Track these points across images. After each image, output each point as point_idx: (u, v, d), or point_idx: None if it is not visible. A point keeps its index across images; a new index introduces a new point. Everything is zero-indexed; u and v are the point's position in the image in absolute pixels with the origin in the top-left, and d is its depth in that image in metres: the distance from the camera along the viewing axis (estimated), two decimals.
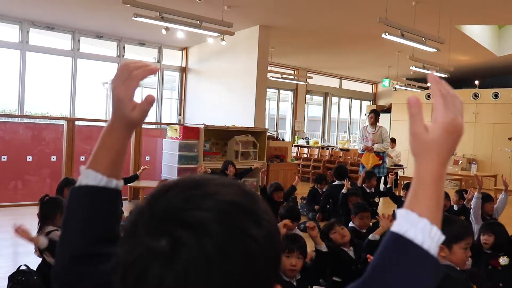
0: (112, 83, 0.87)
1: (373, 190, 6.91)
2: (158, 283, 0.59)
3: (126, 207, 7.61)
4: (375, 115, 8.68)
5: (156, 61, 11.49)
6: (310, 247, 3.48)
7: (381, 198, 7.32)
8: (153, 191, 0.67)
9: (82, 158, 8.63)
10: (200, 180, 0.66)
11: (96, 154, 0.88)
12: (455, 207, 5.59)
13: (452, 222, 2.78)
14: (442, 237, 0.69)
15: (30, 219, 4.25)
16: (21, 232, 3.08)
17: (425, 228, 0.68)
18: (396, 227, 0.69)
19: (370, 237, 3.81)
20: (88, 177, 0.85)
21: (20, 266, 3.79)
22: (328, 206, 7.16)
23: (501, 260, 3.41)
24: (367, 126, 8.76)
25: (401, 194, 6.27)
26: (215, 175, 0.70)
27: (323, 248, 3.57)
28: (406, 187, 6.22)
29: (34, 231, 4.03)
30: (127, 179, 6.82)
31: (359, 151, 9.20)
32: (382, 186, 8.77)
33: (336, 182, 7.16)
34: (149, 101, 0.90)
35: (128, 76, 0.87)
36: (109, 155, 0.88)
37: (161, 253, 0.59)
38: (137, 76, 0.89)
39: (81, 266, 0.80)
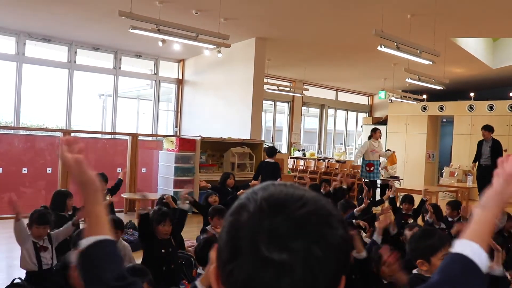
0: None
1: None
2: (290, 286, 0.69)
3: (122, 220, 7.55)
4: (381, 131, 10.51)
5: (153, 73, 11.52)
6: None
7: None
8: (259, 205, 0.74)
9: None
10: (303, 196, 0.76)
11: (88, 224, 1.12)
12: (450, 219, 5.58)
13: (431, 235, 2.78)
14: (487, 260, 0.98)
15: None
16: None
17: (481, 255, 0.97)
18: (459, 250, 0.99)
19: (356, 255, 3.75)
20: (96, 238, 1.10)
21: (14, 280, 3.76)
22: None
23: None
24: (372, 141, 10.28)
25: (400, 206, 6.26)
26: (304, 189, 0.80)
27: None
28: (404, 199, 6.23)
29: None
30: (114, 188, 6.69)
31: (358, 163, 10.87)
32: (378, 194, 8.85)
33: (268, 159, 8.34)
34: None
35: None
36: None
37: (286, 265, 0.69)
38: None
39: None
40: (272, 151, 8.53)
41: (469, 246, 0.99)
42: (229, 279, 0.74)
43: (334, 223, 0.75)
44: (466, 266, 0.97)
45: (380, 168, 10.63)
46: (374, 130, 10.44)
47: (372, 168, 10.15)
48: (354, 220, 5.06)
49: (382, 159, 12.55)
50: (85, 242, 1.07)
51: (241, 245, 0.72)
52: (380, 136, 10.57)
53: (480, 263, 0.96)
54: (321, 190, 7.71)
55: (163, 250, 4.04)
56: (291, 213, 0.73)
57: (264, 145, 10.27)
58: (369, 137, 10.49)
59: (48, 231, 4.09)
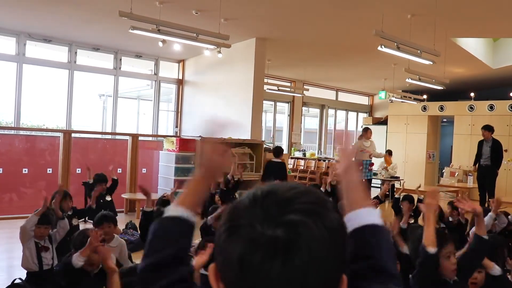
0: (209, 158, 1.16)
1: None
2: (283, 267, 0.69)
3: (123, 220, 7.57)
4: (364, 131, 10.69)
5: (153, 73, 11.52)
6: None
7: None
8: (253, 193, 0.78)
9: (78, 171, 8.60)
10: (293, 184, 0.80)
11: (185, 196, 1.13)
12: (450, 219, 5.59)
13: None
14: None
15: None
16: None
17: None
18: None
19: None
20: (177, 211, 1.09)
21: (14, 280, 3.76)
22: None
23: None
24: (363, 141, 10.54)
25: (401, 206, 6.28)
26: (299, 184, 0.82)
27: None
28: (404, 199, 6.24)
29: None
30: (112, 188, 6.64)
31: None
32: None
33: (274, 159, 9.04)
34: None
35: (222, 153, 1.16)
36: (194, 197, 1.14)
37: (280, 242, 0.70)
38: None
39: (164, 269, 1.03)
40: (278, 151, 9.21)
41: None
42: (224, 264, 0.74)
43: (328, 206, 0.77)
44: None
45: (369, 168, 10.62)
46: (365, 130, 10.74)
47: (360, 168, 10.27)
48: None
49: (380, 160, 12.57)
50: (172, 212, 1.09)
51: (238, 225, 0.74)
52: (371, 136, 10.80)
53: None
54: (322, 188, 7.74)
55: None
56: (283, 194, 0.76)
57: (265, 145, 10.29)
58: (360, 137, 10.86)
59: (50, 231, 4.11)
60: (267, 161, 9.33)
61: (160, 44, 7.71)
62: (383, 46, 7.03)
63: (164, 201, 5.42)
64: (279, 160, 9.11)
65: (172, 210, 1.09)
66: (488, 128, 10.20)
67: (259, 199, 0.75)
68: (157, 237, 1.07)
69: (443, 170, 13.74)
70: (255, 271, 0.70)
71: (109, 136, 10.27)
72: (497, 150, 10.14)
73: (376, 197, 6.53)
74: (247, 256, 0.70)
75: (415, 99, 13.40)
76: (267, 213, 0.73)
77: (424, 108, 14.49)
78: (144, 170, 9.53)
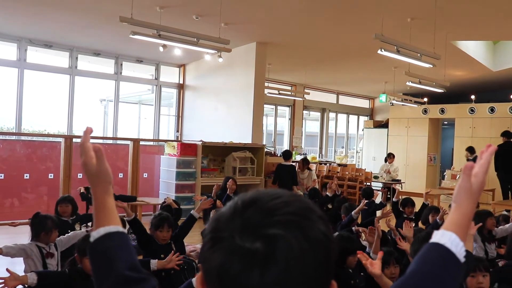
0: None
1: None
2: (260, 280, 0.69)
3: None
4: (302, 162, 10.03)
5: (154, 78, 11.54)
6: None
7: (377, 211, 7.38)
8: (235, 203, 0.78)
9: (80, 176, 8.60)
10: (278, 192, 0.79)
11: (97, 218, 1.08)
12: None
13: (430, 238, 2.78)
14: (464, 249, 0.98)
15: (26, 237, 4.23)
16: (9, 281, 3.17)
17: (458, 244, 0.97)
18: (436, 239, 0.99)
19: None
20: (101, 231, 1.05)
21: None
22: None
23: None
24: (298, 172, 9.82)
25: (402, 209, 6.26)
26: (287, 191, 0.81)
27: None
28: (406, 203, 6.24)
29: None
30: (123, 198, 6.80)
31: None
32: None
33: (284, 163, 9.21)
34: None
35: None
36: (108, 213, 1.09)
37: (259, 254, 0.70)
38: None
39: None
40: (287, 154, 9.44)
41: (446, 236, 0.99)
42: (206, 273, 0.75)
43: (313, 217, 0.75)
44: (443, 254, 0.98)
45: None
46: (303, 160, 10.12)
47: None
48: (354, 228, 5.10)
49: (381, 163, 12.56)
50: (95, 234, 1.04)
51: (219, 236, 0.74)
52: (305, 167, 9.97)
53: (457, 252, 0.97)
54: (323, 194, 7.74)
55: (162, 256, 4.02)
56: (263, 204, 0.75)
57: (266, 149, 10.30)
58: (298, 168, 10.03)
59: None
60: (277, 165, 9.41)
61: (161, 49, 7.72)
62: (383, 50, 7.03)
63: (167, 206, 5.40)
64: (288, 163, 9.26)
65: (97, 232, 1.04)
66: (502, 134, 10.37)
67: (239, 210, 0.75)
68: (98, 263, 1.03)
69: (445, 173, 13.72)
70: (232, 283, 0.71)
71: (110, 141, 10.27)
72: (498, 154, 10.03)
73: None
74: (225, 267, 0.71)
75: (415, 102, 13.40)
76: (246, 224, 0.73)
77: (425, 111, 14.49)
78: (145, 175, 9.53)
